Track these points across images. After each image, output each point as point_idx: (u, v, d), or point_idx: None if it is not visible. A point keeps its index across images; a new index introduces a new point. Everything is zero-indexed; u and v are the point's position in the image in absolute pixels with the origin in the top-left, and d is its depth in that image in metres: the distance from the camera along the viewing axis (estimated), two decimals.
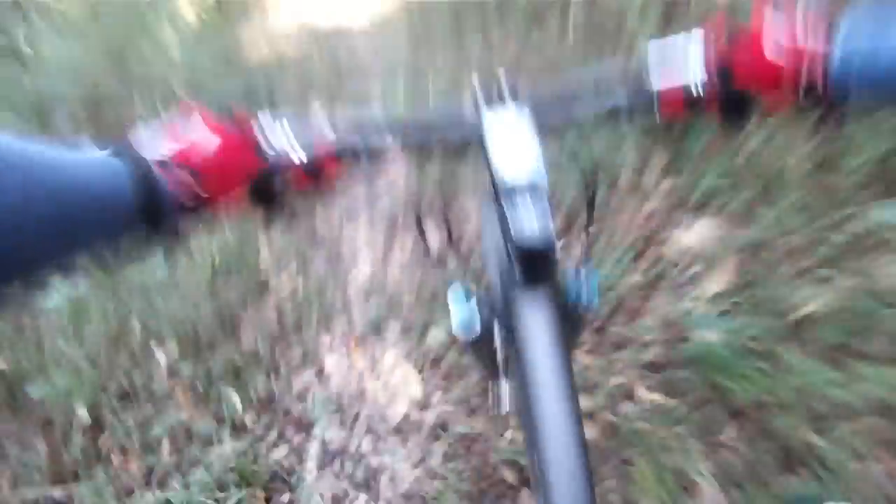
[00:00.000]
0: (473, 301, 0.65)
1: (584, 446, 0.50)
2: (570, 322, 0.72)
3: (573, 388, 0.52)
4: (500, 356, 0.72)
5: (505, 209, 0.51)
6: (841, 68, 0.45)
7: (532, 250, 0.51)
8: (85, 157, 0.39)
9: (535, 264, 0.54)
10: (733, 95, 0.52)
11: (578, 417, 0.51)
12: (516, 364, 0.56)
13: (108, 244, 0.41)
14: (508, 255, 0.55)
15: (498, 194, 0.51)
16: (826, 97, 0.47)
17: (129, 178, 0.40)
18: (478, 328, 0.65)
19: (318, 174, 0.50)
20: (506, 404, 0.82)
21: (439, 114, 0.56)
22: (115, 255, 0.42)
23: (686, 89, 0.53)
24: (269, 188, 0.49)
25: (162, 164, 0.43)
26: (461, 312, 0.65)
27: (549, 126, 0.56)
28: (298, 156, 0.49)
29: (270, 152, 0.49)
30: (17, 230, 0.33)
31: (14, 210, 0.33)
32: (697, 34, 0.53)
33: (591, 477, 0.49)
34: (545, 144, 0.53)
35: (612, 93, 0.55)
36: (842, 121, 0.49)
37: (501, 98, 0.54)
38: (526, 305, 0.55)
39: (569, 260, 1.38)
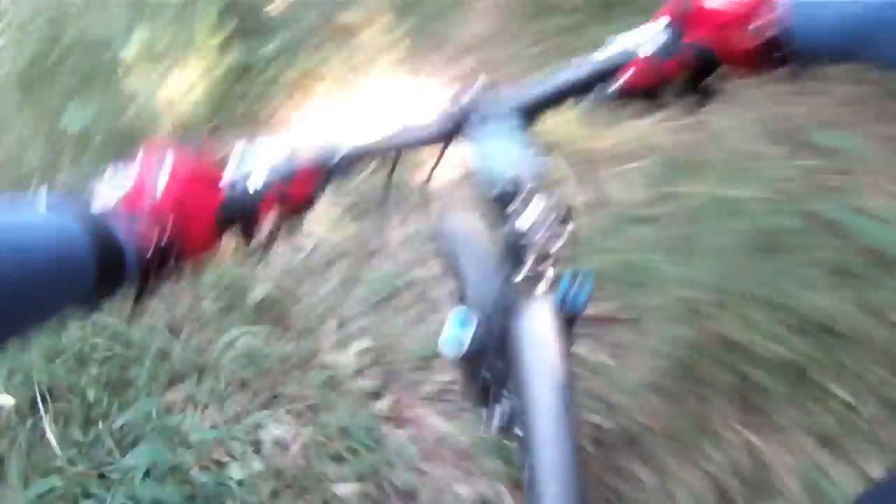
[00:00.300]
0: (473, 324, 0.65)
1: (578, 457, 0.49)
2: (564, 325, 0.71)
3: (571, 397, 0.51)
4: (490, 376, 0.71)
5: (499, 211, 0.50)
6: (793, 20, 0.44)
7: (533, 248, 0.50)
8: (32, 219, 0.36)
9: (534, 263, 0.52)
10: (689, 49, 0.50)
11: (576, 427, 0.50)
12: (515, 373, 0.55)
13: (73, 308, 0.38)
14: (506, 258, 0.53)
15: (491, 197, 0.50)
16: (780, 46, 0.46)
17: (83, 235, 0.37)
18: (465, 348, 0.65)
19: (289, 194, 0.49)
20: (495, 424, 0.80)
21: (421, 119, 0.56)
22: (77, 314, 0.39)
23: (642, 45, 0.52)
24: (240, 216, 0.47)
25: (116, 214, 0.40)
26: (452, 332, 0.65)
27: (535, 115, 0.55)
28: (266, 178, 0.47)
29: (235, 179, 0.47)
30: None
31: None
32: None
33: (584, 485, 0.48)
34: (534, 141, 0.52)
35: (582, 65, 0.55)
36: (801, 73, 0.48)
37: (486, 100, 0.53)
38: (525, 310, 0.54)
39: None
